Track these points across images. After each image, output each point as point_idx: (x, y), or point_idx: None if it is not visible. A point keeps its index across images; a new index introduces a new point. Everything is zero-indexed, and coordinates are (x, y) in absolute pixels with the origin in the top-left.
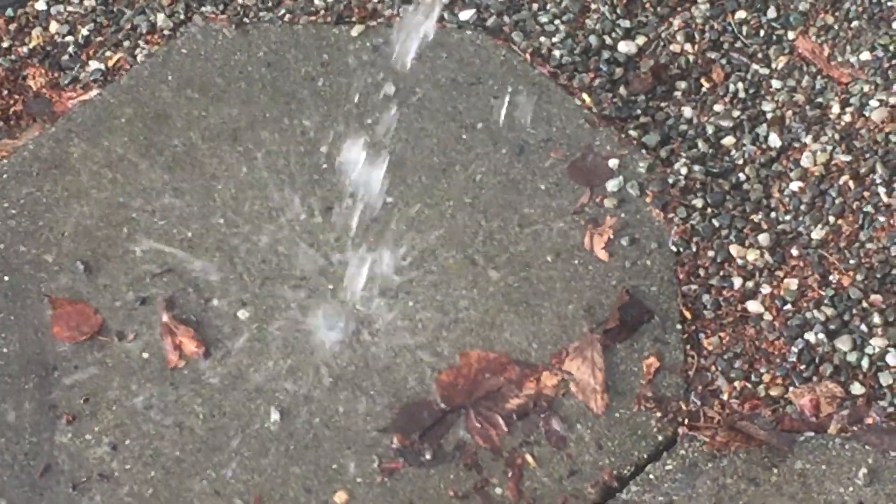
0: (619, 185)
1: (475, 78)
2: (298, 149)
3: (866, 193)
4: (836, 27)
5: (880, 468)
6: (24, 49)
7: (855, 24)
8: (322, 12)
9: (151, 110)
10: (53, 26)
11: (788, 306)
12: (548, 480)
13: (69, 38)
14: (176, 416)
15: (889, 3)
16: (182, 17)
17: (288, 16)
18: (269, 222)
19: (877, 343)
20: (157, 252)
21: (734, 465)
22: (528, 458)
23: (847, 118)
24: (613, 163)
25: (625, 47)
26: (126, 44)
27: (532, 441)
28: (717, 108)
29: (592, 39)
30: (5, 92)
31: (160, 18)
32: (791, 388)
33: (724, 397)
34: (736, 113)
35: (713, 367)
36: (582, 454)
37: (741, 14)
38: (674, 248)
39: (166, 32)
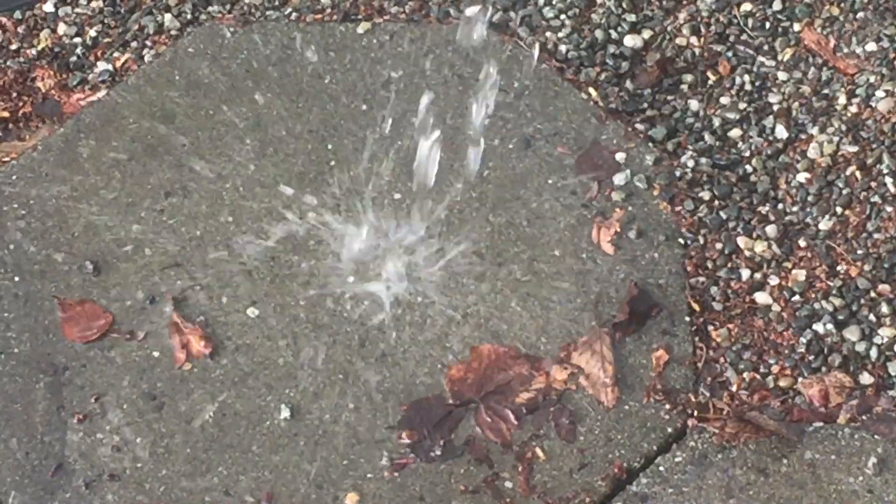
0: (626, 178)
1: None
2: (306, 146)
3: (873, 184)
4: (841, 18)
5: (890, 457)
6: (33, 51)
7: (860, 15)
8: (328, 10)
9: (159, 110)
10: (61, 28)
11: (797, 297)
12: (558, 474)
13: (77, 40)
14: (186, 415)
15: None
16: (189, 16)
17: (294, 14)
18: (277, 220)
19: (885, 333)
20: (167, 250)
21: (744, 456)
22: (539, 451)
23: (853, 109)
24: (620, 156)
25: (631, 41)
26: (133, 44)
27: (542, 435)
28: (724, 100)
29: (598, 34)
30: (14, 94)
31: (167, 19)
32: (800, 379)
33: (734, 389)
34: (742, 105)
35: (722, 359)
36: (592, 447)
37: (747, 6)
38: (681, 241)
39: (173, 32)
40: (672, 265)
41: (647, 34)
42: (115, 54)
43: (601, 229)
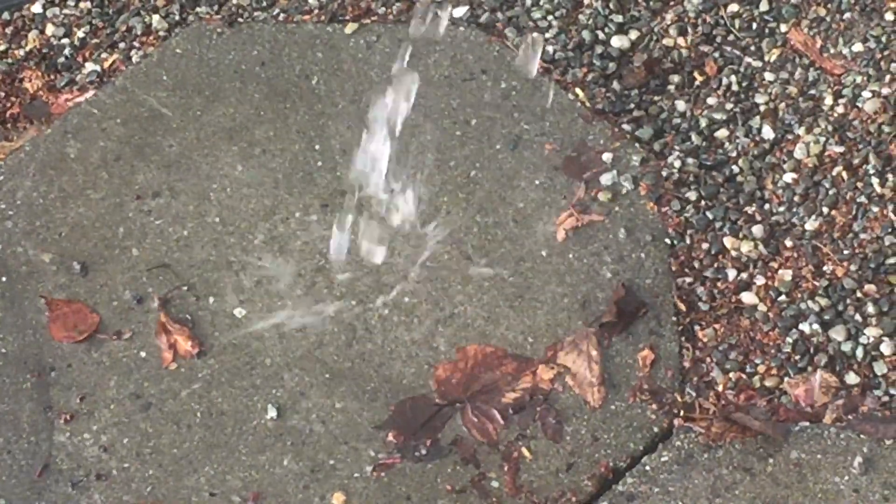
0: (613, 178)
1: (468, 74)
2: (293, 147)
3: (860, 184)
4: (828, 19)
5: (875, 457)
6: (21, 52)
7: (847, 15)
8: (316, 11)
9: (147, 111)
10: (49, 29)
11: (783, 297)
12: (544, 473)
13: (65, 41)
14: (173, 415)
15: None
16: (177, 17)
17: (282, 15)
18: (264, 221)
19: (871, 333)
20: (154, 251)
21: (730, 455)
22: (525, 451)
23: (840, 109)
24: (607, 157)
25: (618, 42)
26: (121, 45)
27: (528, 434)
28: (711, 101)
29: (585, 35)
30: (2, 95)
31: (155, 20)
32: (786, 379)
33: (720, 388)
34: (729, 106)
35: (708, 359)
36: (578, 447)
37: (733, 7)
38: (668, 241)
39: (161, 33)
40: (659, 265)
41: (634, 35)
42: (103, 55)
43: (569, 218)
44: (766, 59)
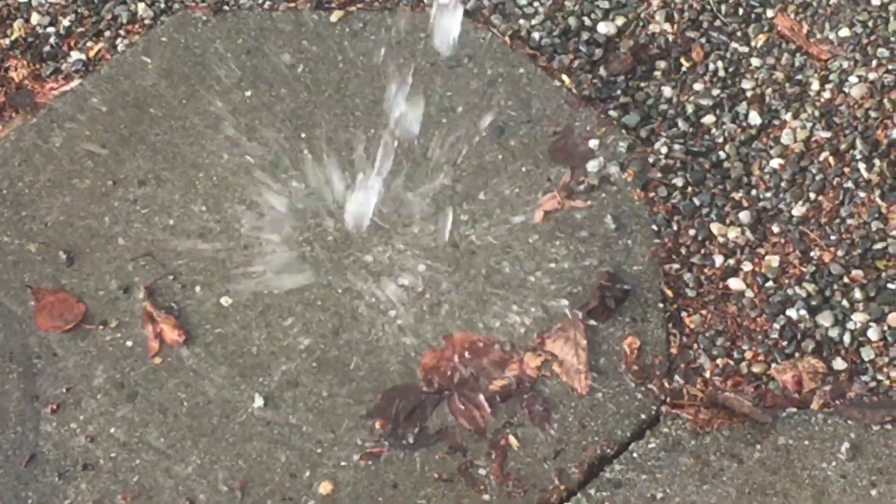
0: (599, 165)
1: (455, 61)
2: (279, 135)
3: (846, 169)
4: (814, 4)
5: (863, 442)
6: (6, 41)
7: (833, 0)
8: None
9: (132, 99)
10: (35, 17)
11: (770, 283)
12: (532, 461)
13: (50, 29)
14: (160, 404)
15: None
16: (163, 5)
17: (268, 3)
18: (250, 209)
19: (858, 318)
20: (140, 240)
21: (717, 441)
22: (512, 439)
23: (827, 95)
24: (594, 143)
25: (604, 28)
26: (107, 34)
27: (516, 422)
28: (697, 86)
29: (571, 21)
30: None
31: (141, 8)
32: (773, 365)
33: (707, 375)
34: (716, 91)
35: (695, 345)
36: (565, 434)
37: None
38: (655, 227)
39: (147, 21)
40: (645, 252)
41: (620, 21)
42: (89, 44)
43: (550, 200)
44: (753, 44)
